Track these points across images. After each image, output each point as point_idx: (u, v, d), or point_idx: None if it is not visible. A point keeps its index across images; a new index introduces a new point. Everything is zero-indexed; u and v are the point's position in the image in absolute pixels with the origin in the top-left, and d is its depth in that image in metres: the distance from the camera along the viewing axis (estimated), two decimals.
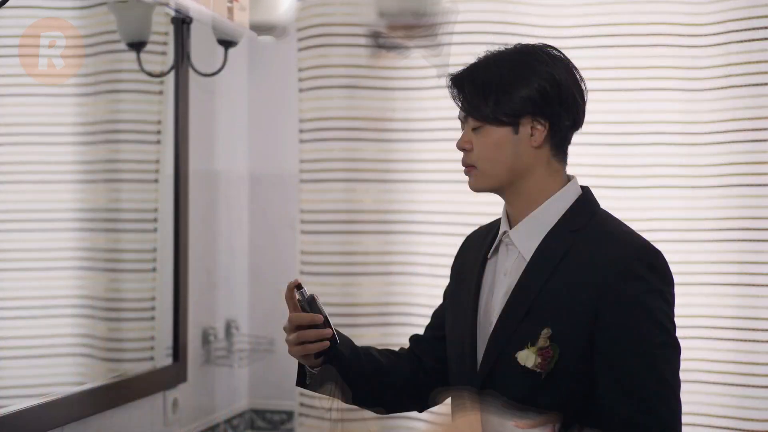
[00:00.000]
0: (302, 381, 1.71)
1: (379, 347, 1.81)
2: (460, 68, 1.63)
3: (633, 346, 1.48)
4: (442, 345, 1.75)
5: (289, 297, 1.60)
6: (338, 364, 1.64)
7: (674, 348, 1.51)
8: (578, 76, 1.61)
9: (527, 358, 1.50)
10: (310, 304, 1.58)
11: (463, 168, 1.63)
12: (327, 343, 1.58)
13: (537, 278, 1.55)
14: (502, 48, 1.62)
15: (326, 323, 1.59)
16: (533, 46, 1.62)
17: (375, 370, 1.72)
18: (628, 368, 1.48)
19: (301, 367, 1.70)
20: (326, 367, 1.64)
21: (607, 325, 1.49)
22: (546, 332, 1.50)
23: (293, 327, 1.60)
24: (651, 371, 1.47)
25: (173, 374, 2.50)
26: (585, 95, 1.62)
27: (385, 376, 1.74)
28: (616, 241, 1.55)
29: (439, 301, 1.85)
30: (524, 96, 1.55)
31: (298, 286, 1.59)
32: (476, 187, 1.63)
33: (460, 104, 1.61)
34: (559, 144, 1.60)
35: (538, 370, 1.50)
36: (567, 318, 1.50)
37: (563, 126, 1.59)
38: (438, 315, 1.82)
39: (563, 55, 1.62)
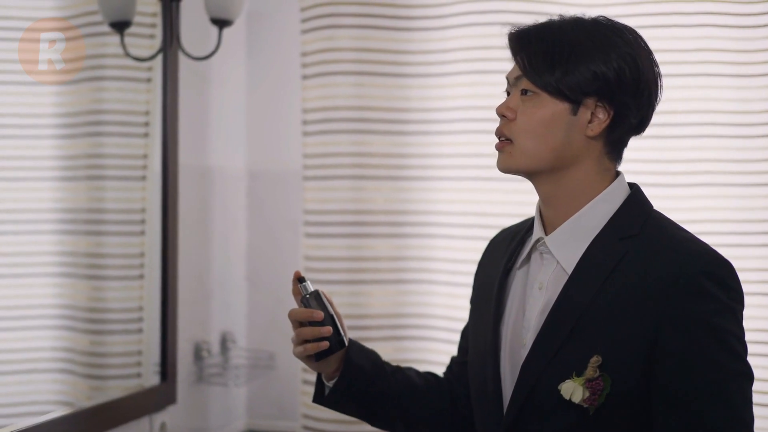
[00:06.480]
0: (319, 396, 1.63)
1: (393, 363, 1.72)
2: (525, 24, 1.48)
3: (702, 376, 1.36)
4: None
5: (296, 291, 1.56)
6: (354, 375, 1.58)
7: (748, 377, 1.39)
8: (657, 73, 1.47)
9: (574, 391, 1.37)
10: (315, 299, 1.54)
11: (497, 141, 1.48)
12: (326, 344, 1.51)
13: (582, 293, 1.42)
14: (581, 15, 1.47)
15: (330, 322, 1.53)
16: (619, 23, 1.47)
17: (405, 392, 1.64)
18: (696, 402, 1.35)
19: (319, 380, 1.62)
20: (344, 380, 1.57)
21: (671, 352, 1.36)
22: (595, 360, 1.37)
23: (295, 325, 1.55)
24: (723, 406, 1.35)
25: (161, 395, 2.45)
26: (658, 98, 1.48)
27: (417, 400, 1.65)
28: (677, 250, 1.41)
29: (459, 312, 1.69)
30: (599, 72, 1.40)
31: (301, 279, 1.55)
32: (507, 167, 1.47)
33: (519, 62, 1.45)
34: (615, 142, 1.47)
35: (586, 405, 1.37)
36: (619, 342, 1.38)
37: (628, 123, 1.45)
38: (466, 334, 1.72)
39: (647, 46, 1.47)
